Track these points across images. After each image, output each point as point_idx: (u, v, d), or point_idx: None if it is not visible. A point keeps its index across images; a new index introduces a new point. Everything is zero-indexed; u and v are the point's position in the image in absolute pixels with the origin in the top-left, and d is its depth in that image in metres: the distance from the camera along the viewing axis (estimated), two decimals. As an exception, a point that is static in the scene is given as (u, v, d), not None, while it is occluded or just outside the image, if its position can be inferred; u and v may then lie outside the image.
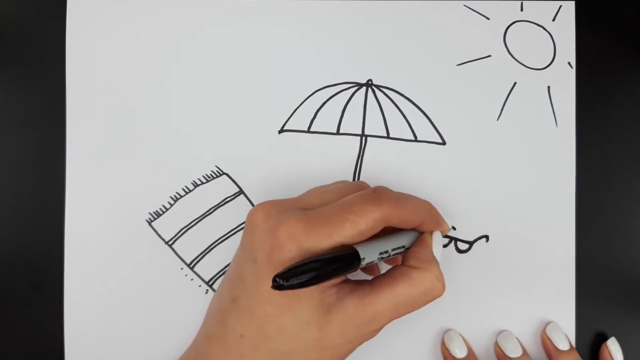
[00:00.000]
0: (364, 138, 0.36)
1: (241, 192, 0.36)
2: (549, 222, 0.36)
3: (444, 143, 0.36)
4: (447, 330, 0.35)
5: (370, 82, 0.36)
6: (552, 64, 0.36)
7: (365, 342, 0.28)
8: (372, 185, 0.30)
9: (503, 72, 0.36)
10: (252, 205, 0.35)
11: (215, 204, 0.35)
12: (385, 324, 0.28)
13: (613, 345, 0.34)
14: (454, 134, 0.36)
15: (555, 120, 0.36)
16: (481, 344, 0.35)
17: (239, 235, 0.35)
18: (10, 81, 0.36)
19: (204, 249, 0.35)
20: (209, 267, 0.35)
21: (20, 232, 0.35)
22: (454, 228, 0.35)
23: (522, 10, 0.37)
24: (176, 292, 0.35)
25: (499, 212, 0.36)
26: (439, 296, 0.28)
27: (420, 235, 0.30)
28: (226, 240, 0.35)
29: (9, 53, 0.36)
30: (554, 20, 0.37)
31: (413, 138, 0.36)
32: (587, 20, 0.36)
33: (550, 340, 0.34)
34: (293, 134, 0.36)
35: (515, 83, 0.36)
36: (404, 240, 0.29)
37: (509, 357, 0.33)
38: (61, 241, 0.35)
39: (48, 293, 0.35)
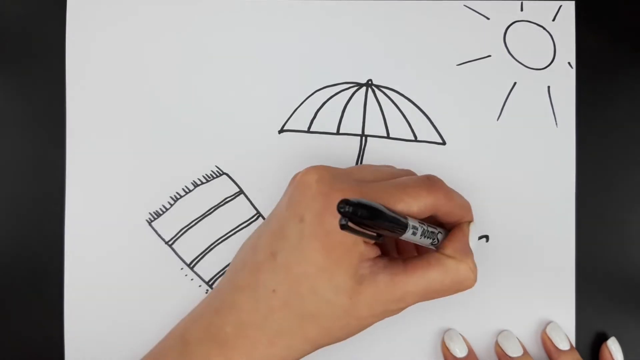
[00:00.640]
0: (364, 138, 0.36)
1: (241, 192, 0.36)
2: (549, 222, 0.36)
3: (444, 143, 0.36)
4: (447, 330, 0.35)
5: (370, 82, 0.36)
6: (552, 64, 0.36)
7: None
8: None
9: (503, 72, 0.36)
10: (253, 205, 0.35)
11: (215, 204, 0.35)
12: (411, 304, 0.28)
13: (613, 345, 0.34)
14: (454, 134, 0.36)
15: (555, 120, 0.36)
16: (481, 343, 0.35)
17: (239, 236, 0.35)
18: (10, 81, 0.36)
19: (204, 249, 0.35)
20: (209, 267, 0.35)
21: (20, 232, 0.35)
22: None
23: (522, 10, 0.37)
24: (176, 292, 0.35)
25: (499, 212, 0.36)
26: (470, 287, 0.29)
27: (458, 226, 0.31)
28: (226, 240, 0.35)
29: (9, 53, 0.36)
30: (554, 20, 0.37)
31: (413, 138, 0.36)
32: (587, 20, 0.37)
33: (551, 340, 0.34)
34: (293, 134, 0.36)
35: (515, 83, 0.36)
36: (442, 232, 0.30)
37: (509, 356, 0.33)
38: (61, 241, 0.35)
39: (48, 293, 0.35)
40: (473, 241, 0.30)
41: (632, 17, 0.37)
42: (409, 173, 0.31)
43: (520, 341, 0.34)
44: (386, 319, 0.29)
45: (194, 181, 0.36)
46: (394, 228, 0.25)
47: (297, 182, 0.28)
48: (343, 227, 0.23)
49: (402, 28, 0.36)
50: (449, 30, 0.36)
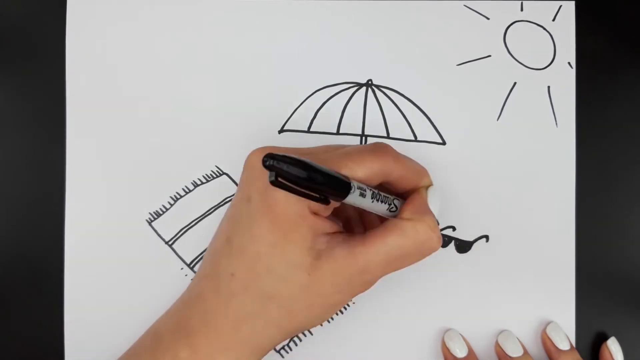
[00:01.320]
0: (364, 138, 0.36)
1: (241, 192, 0.36)
2: (549, 222, 0.36)
3: (444, 143, 0.36)
4: (447, 330, 0.35)
5: (370, 82, 0.36)
6: (552, 64, 0.36)
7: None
8: None
9: (503, 72, 0.36)
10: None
11: (215, 204, 0.35)
12: (378, 277, 0.28)
13: (613, 345, 0.34)
14: (454, 134, 0.36)
15: (555, 120, 0.36)
16: (482, 343, 0.35)
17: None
18: (10, 81, 0.36)
19: (204, 249, 0.35)
20: (209, 267, 0.35)
21: (20, 232, 0.35)
22: (453, 228, 0.35)
23: (522, 10, 0.37)
24: (176, 292, 0.35)
25: (499, 212, 0.36)
26: (435, 249, 0.28)
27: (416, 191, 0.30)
28: (226, 240, 0.35)
29: (9, 53, 0.36)
30: (554, 20, 0.37)
31: (413, 138, 0.36)
32: (587, 20, 0.37)
33: (551, 340, 0.34)
34: (293, 134, 0.36)
35: (515, 83, 0.36)
36: (399, 199, 0.29)
37: (510, 356, 0.33)
38: (61, 241, 0.35)
39: (48, 293, 0.35)
40: (433, 204, 0.29)
41: (632, 17, 0.37)
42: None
43: (520, 341, 0.34)
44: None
45: (194, 181, 0.36)
46: (335, 186, 0.24)
47: (245, 164, 0.28)
48: (273, 183, 0.23)
49: (402, 28, 0.36)
50: (449, 30, 0.36)
